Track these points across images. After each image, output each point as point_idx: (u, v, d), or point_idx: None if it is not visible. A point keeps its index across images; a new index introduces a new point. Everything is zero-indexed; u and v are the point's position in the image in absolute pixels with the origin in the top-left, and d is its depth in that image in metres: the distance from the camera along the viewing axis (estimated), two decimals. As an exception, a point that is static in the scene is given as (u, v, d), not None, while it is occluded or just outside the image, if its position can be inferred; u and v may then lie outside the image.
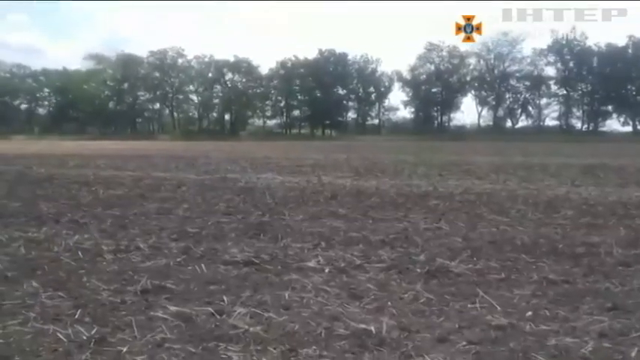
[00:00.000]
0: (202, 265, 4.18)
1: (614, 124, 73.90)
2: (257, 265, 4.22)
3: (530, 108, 77.61)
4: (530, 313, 3.16)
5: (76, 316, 3.07)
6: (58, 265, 4.18)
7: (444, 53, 77.71)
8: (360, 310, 3.23)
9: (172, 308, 3.20)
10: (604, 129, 72.90)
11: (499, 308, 3.24)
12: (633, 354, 2.58)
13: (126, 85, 79.55)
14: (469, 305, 3.30)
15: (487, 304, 3.31)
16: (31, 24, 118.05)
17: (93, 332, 2.83)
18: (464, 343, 2.74)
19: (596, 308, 3.25)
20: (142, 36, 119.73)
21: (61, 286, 3.65)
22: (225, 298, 3.39)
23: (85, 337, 2.77)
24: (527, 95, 77.28)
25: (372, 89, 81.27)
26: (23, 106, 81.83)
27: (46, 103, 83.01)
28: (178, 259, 4.38)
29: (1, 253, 4.54)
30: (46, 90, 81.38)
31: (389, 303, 3.33)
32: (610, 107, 73.73)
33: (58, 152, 24.78)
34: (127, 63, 77.76)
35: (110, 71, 79.14)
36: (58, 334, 2.80)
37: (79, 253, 4.56)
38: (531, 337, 2.80)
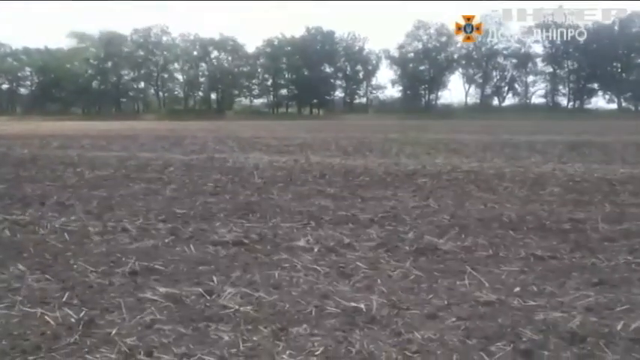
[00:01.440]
0: (191, 246, 4.16)
1: (600, 102, 74.56)
2: (246, 245, 4.21)
3: (516, 86, 77.84)
4: (518, 288, 3.20)
5: (64, 299, 3.04)
6: (44, 248, 4.13)
7: (432, 31, 77.27)
8: (350, 288, 3.24)
9: (161, 289, 3.18)
10: (590, 106, 73.49)
11: (487, 284, 3.27)
12: (619, 327, 2.62)
13: (109, 63, 77.97)
14: (458, 282, 3.33)
15: (475, 281, 3.34)
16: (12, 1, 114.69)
17: (81, 315, 2.80)
18: (453, 319, 2.76)
19: (582, 283, 3.29)
20: (124, 13, 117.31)
21: (48, 268, 3.61)
22: (214, 279, 3.38)
23: (73, 320, 2.74)
24: (514, 73, 77.40)
25: (359, 67, 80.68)
26: (4, 86, 80.00)
27: (28, 82, 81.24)
28: (166, 240, 4.35)
29: (-15, 235, 4.47)
30: (28, 69, 79.57)
31: (378, 281, 3.35)
32: (596, 85, 74.22)
33: (41, 133, 24.36)
34: (111, 41, 76.13)
35: (93, 49, 77.45)
36: (46, 317, 2.77)
37: (66, 235, 4.51)
38: (519, 313, 2.83)
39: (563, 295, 3.08)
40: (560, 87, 76.35)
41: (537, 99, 77.41)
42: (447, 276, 3.44)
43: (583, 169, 9.06)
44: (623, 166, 9.61)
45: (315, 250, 4.05)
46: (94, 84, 78.63)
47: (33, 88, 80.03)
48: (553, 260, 3.78)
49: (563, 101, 76.09)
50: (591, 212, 5.39)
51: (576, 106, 73.43)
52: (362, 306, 2.90)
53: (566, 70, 75.35)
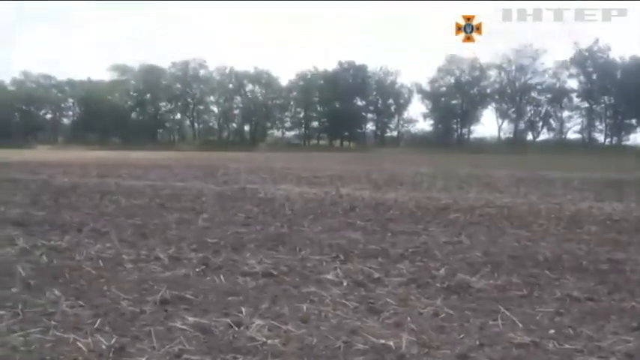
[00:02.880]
0: (221, 276, 4.19)
1: (639, 138, 72.53)
2: (275, 276, 4.22)
3: (551, 121, 76.63)
4: (553, 331, 3.09)
5: (96, 325, 3.09)
6: (79, 274, 4.23)
7: (465, 65, 77.36)
8: (379, 324, 3.19)
9: (191, 319, 3.20)
10: (628, 142, 71.54)
11: (521, 325, 3.17)
12: (662, 376, 2.49)
13: (148, 95, 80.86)
14: (490, 322, 3.24)
15: (509, 321, 3.24)
16: (58, 35, 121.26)
17: (112, 342, 2.84)
18: (485, 360, 2.68)
19: (621, 327, 3.16)
20: (163, 47, 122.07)
21: (82, 294, 3.69)
22: (243, 310, 3.39)
23: (104, 347, 2.79)
24: (548, 108, 76.34)
25: (391, 101, 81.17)
26: (48, 116, 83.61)
27: (71, 113, 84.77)
28: (197, 270, 4.40)
29: (24, 260, 4.62)
30: (71, 100, 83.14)
31: (408, 318, 3.29)
32: (634, 121, 72.39)
33: (81, 162, 25.23)
34: (150, 74, 79.11)
35: (133, 82, 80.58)
36: (78, 343, 2.83)
37: (100, 262, 4.61)
38: (555, 356, 2.73)
39: (601, 340, 2.96)
40: (597, 123, 74.74)
41: (573, 135, 75.91)
42: (479, 315, 3.36)
43: (621, 208, 8.77)
44: (664, 205, 9.26)
45: (345, 284, 4.02)
46: (133, 115, 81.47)
47: (75, 119, 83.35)
48: (590, 302, 3.64)
49: (600, 137, 74.37)
50: (630, 253, 5.20)
51: (614, 142, 71.62)
52: (391, 343, 2.85)
53: (603, 105, 73.88)
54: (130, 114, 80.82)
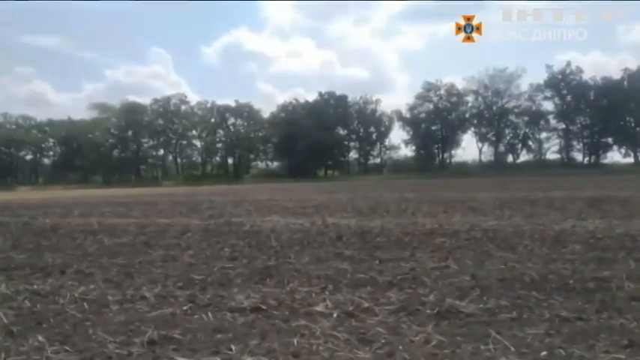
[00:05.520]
0: (209, 314, 4.13)
1: (616, 156, 74.48)
2: (264, 311, 4.17)
3: (530, 142, 78.43)
4: (544, 352, 3.09)
5: (82, 371, 3.01)
6: (63, 318, 4.13)
7: (442, 92, 79.07)
8: (371, 355, 3.16)
9: (179, 359, 3.14)
10: (605, 161, 73.33)
11: (512, 349, 3.17)
12: (654, 393, 2.50)
13: (130, 132, 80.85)
14: (482, 346, 3.23)
15: (500, 345, 3.24)
16: (37, 75, 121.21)
17: (99, 387, 2.77)
18: (479, 386, 2.67)
19: (612, 345, 3.18)
20: (144, 84, 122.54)
21: (67, 339, 3.60)
22: (232, 347, 3.33)
23: (91, 393, 2.71)
24: (526, 130, 78.19)
25: (372, 129, 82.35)
26: (28, 157, 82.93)
27: (51, 153, 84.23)
28: (184, 308, 4.32)
29: (6, 306, 4.50)
30: (51, 140, 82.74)
31: (400, 347, 3.27)
32: (610, 139, 74.42)
33: (62, 201, 24.88)
34: (131, 111, 79.28)
35: (114, 119, 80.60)
36: (64, 390, 2.75)
37: (85, 304, 4.52)
38: (548, 379, 2.73)
39: (592, 359, 2.97)
40: (574, 142, 76.77)
41: (552, 155, 77.71)
42: (470, 340, 3.35)
43: (604, 226, 8.90)
44: (645, 221, 9.43)
45: (334, 315, 3.99)
46: (115, 152, 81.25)
47: (55, 158, 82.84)
48: (579, 321, 3.66)
49: (579, 156, 76.26)
50: (615, 270, 5.25)
51: (592, 161, 73.38)
52: (384, 374, 2.82)
53: (579, 125, 75.96)
54: (111, 152, 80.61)
